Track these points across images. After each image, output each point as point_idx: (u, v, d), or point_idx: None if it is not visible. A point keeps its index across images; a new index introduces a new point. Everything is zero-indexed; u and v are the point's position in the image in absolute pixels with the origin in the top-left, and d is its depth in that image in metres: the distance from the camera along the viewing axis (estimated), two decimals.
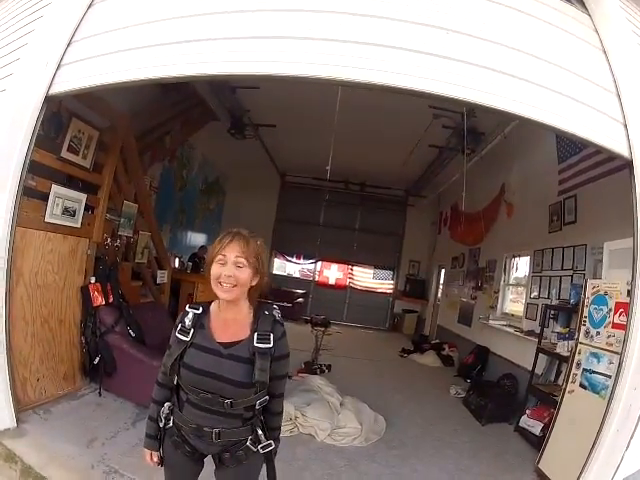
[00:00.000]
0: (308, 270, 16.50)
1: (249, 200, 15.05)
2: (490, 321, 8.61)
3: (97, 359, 5.18)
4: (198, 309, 2.12)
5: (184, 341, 2.05)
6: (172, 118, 8.54)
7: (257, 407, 2.07)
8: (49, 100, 4.17)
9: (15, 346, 4.33)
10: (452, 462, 4.84)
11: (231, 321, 2.09)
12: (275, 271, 16.48)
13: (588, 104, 3.55)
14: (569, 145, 6.50)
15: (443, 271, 13.68)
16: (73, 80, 4.09)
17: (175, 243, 11.80)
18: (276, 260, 16.50)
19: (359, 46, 3.38)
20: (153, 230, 7.61)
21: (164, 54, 3.72)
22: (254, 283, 2.08)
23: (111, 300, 5.67)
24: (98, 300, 5.44)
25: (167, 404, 2.17)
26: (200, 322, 2.09)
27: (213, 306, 2.14)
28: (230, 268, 1.99)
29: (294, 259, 16.30)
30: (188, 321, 2.07)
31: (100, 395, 5.18)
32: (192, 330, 2.06)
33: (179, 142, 9.71)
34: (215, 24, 3.63)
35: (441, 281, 13.83)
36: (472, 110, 7.04)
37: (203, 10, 3.71)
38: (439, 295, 13.84)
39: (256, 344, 2.00)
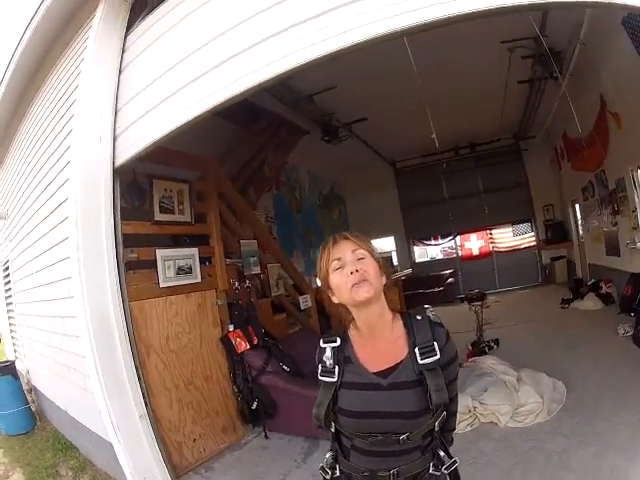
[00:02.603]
0: (449, 248, 15.79)
1: (369, 199, 14.84)
2: (638, 244, 7.65)
3: (255, 404, 5.13)
4: (335, 341, 1.72)
5: (331, 383, 1.66)
6: (262, 147, 8.58)
7: (436, 429, 1.66)
8: (118, 172, 4.27)
9: (161, 415, 4.41)
10: (635, 414, 4.22)
11: (381, 340, 1.68)
12: (418, 259, 16.00)
13: None
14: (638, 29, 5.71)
15: (577, 206, 12.47)
16: (133, 145, 4.13)
17: (310, 264, 11.71)
18: (415, 248, 16.03)
19: None
20: (281, 259, 7.57)
21: (209, 83, 3.60)
22: (383, 282, 1.68)
23: (256, 342, 5.62)
24: (242, 346, 5.41)
25: (329, 453, 1.79)
26: (343, 356, 1.69)
27: (352, 332, 1.75)
28: (352, 265, 1.62)
29: (432, 241, 15.64)
30: (328, 360, 1.68)
31: (267, 437, 5.10)
32: (337, 368, 1.67)
33: (278, 167, 9.71)
34: (250, 32, 3.38)
35: (578, 216, 12.62)
36: (542, 30, 6.29)
37: (231, 24, 3.50)
38: (581, 232, 12.63)
39: (421, 361, 1.59)
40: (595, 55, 7.30)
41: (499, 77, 8.47)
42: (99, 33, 4.27)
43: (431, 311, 1.72)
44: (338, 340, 1.71)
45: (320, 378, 1.69)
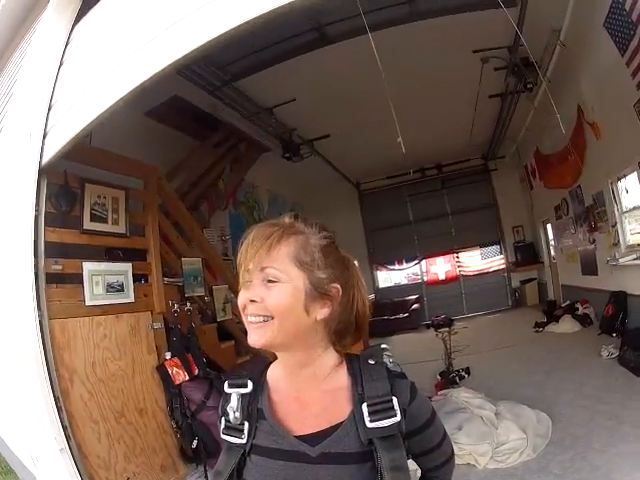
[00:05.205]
0: (414, 273, 15.41)
1: (331, 220, 13.81)
2: (619, 260, 7.42)
3: (195, 442, 4.52)
4: (245, 385, 1.14)
5: (237, 445, 1.10)
6: (218, 161, 8.19)
7: None
8: (46, 171, 3.75)
9: (88, 451, 3.80)
10: (633, 440, 3.81)
11: (310, 390, 1.13)
12: (381, 284, 15.62)
13: None
14: (623, 28, 5.55)
15: (549, 226, 12.45)
16: (60, 139, 3.60)
17: None
18: (379, 273, 15.63)
19: None
20: (230, 281, 6.95)
21: (135, 61, 3.15)
22: (321, 315, 1.09)
23: (196, 372, 4.98)
24: (180, 376, 4.75)
25: None
26: (255, 407, 1.13)
27: (272, 373, 1.20)
28: (253, 289, 1.06)
29: (397, 266, 15.28)
30: (233, 412, 1.10)
31: None
32: (247, 425, 1.10)
33: (234, 184, 9.27)
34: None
35: (550, 237, 12.60)
36: (517, 39, 6.24)
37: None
38: (552, 253, 12.63)
39: (370, 424, 1.03)
40: (573, 61, 7.17)
41: (470, 90, 8.30)
42: (46, 26, 3.95)
43: (389, 355, 1.17)
44: (249, 384, 1.15)
45: (223, 437, 1.13)
